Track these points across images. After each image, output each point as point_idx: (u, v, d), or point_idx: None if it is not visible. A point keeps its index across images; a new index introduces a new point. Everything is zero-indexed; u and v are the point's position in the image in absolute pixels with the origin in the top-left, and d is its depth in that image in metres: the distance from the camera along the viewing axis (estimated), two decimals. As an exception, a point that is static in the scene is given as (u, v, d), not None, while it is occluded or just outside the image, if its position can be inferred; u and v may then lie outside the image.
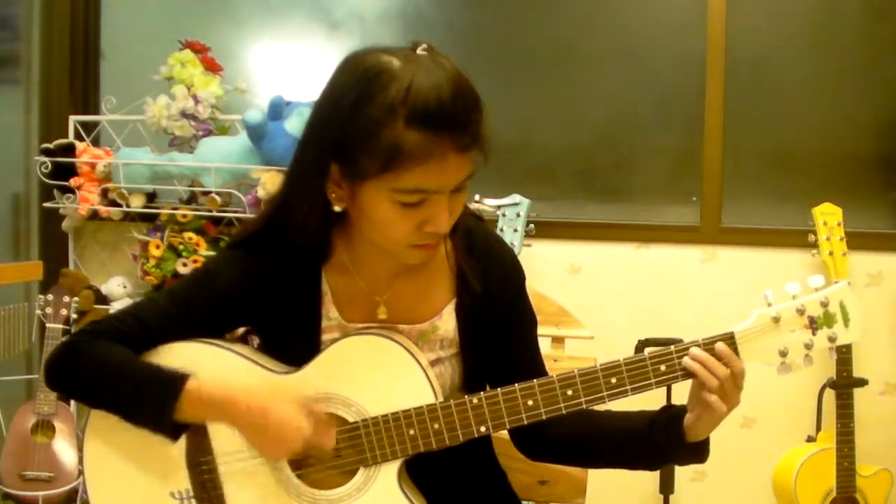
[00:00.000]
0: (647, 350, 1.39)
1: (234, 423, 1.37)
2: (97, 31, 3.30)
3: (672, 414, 1.44)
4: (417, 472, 1.45)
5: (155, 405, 1.36)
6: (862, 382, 2.65)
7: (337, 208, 1.36)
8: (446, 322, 1.48)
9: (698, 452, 1.43)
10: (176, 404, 1.35)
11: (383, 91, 1.26)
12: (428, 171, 1.27)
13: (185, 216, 2.91)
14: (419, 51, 1.30)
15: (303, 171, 1.38)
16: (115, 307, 2.94)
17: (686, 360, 1.36)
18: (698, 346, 1.37)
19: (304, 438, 1.34)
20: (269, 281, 1.45)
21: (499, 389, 1.39)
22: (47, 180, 2.98)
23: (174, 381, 1.35)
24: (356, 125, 1.27)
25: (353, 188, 1.32)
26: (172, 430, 1.37)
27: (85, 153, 2.99)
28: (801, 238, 2.75)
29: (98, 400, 1.41)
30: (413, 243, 1.35)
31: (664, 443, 1.43)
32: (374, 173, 1.28)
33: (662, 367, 1.37)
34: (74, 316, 2.88)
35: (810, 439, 2.75)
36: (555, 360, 1.97)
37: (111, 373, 1.38)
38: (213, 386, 1.36)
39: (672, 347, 1.37)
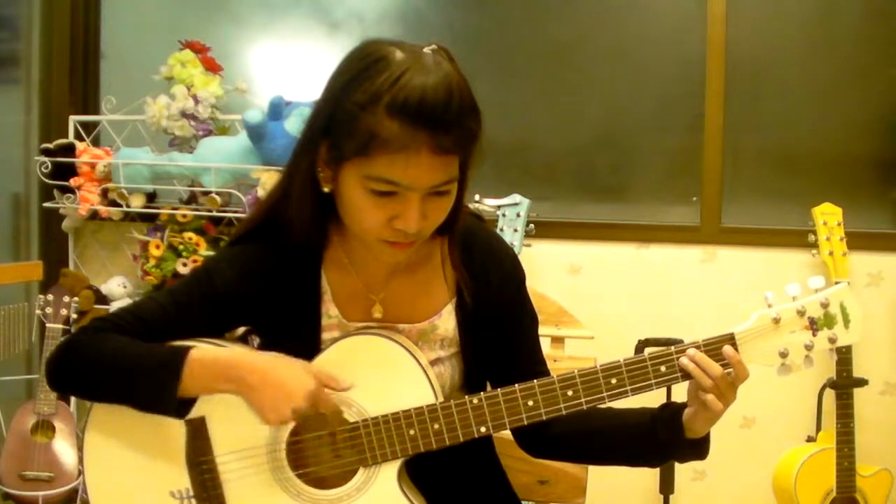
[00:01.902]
0: (648, 350, 1.39)
1: (238, 386, 1.34)
2: (97, 31, 3.30)
3: (672, 411, 1.44)
4: (417, 471, 1.45)
5: (157, 382, 1.34)
6: (862, 382, 2.65)
7: (325, 189, 1.36)
8: (446, 321, 1.48)
9: (699, 449, 1.44)
10: (179, 378, 1.33)
11: (374, 77, 1.27)
12: (398, 163, 1.26)
13: (185, 216, 2.91)
14: (426, 49, 1.31)
15: (299, 146, 1.40)
16: (115, 307, 2.94)
17: (682, 360, 1.37)
18: (698, 347, 1.37)
19: (307, 394, 1.31)
20: (270, 279, 1.45)
21: (499, 390, 1.39)
22: (47, 180, 2.98)
23: (175, 356, 1.35)
24: (343, 107, 1.29)
25: (335, 170, 1.33)
26: (177, 407, 1.36)
27: (85, 153, 2.99)
28: (801, 238, 2.75)
29: (100, 391, 1.41)
30: (383, 238, 1.34)
31: (666, 440, 1.43)
32: (350, 156, 1.29)
33: (662, 368, 1.37)
34: (74, 316, 2.88)
35: (810, 439, 2.75)
36: (555, 360, 1.97)
37: (110, 359, 1.37)
38: (215, 353, 1.36)
39: (672, 348, 1.37)
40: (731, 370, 1.36)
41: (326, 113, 1.33)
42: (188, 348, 1.36)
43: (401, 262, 1.42)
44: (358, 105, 1.27)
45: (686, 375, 1.37)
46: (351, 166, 1.30)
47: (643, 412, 1.47)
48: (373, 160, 1.27)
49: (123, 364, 1.37)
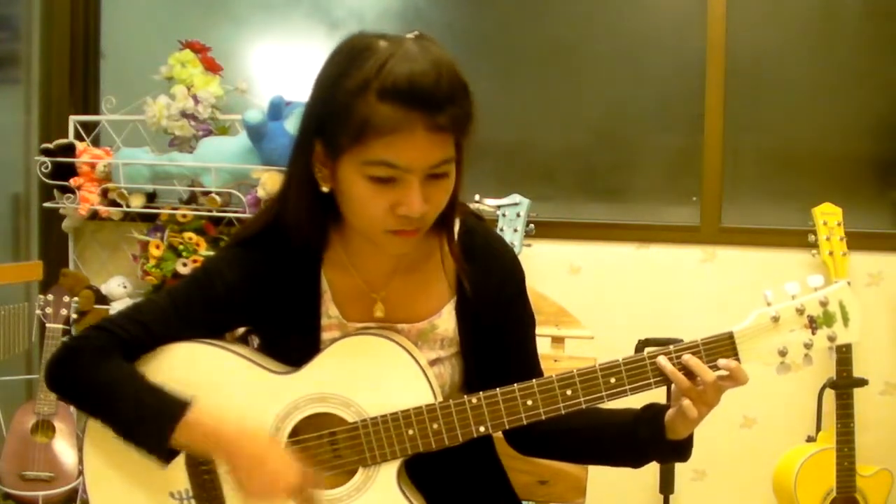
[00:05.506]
0: (647, 350, 1.39)
1: (228, 461, 1.34)
2: (97, 31, 3.30)
3: (655, 411, 1.44)
4: (417, 471, 1.45)
5: (151, 429, 1.34)
6: (862, 382, 2.65)
7: (324, 189, 1.36)
8: (446, 321, 1.48)
9: (680, 451, 1.43)
10: (173, 432, 1.33)
11: (360, 66, 1.27)
12: (394, 144, 1.26)
13: (185, 216, 2.91)
14: (409, 35, 1.31)
15: (294, 150, 1.40)
16: (115, 307, 2.94)
17: (660, 360, 1.36)
18: (697, 346, 1.37)
19: (290, 491, 1.32)
20: (269, 280, 1.45)
21: (498, 390, 1.39)
22: (47, 180, 2.97)
23: (175, 408, 1.34)
24: (334, 100, 1.29)
25: (334, 166, 1.33)
26: (165, 455, 1.35)
27: (85, 153, 2.99)
28: (801, 238, 2.75)
29: (96, 413, 1.40)
30: (388, 228, 1.34)
31: (646, 439, 1.43)
32: (346, 147, 1.29)
33: (662, 367, 1.37)
34: (74, 316, 2.88)
35: (810, 439, 2.74)
36: (555, 360, 1.96)
37: (111, 388, 1.37)
38: (212, 420, 1.34)
39: (671, 347, 1.37)
40: (721, 372, 1.36)
41: (317, 111, 1.33)
42: (186, 405, 1.34)
43: (407, 253, 1.41)
44: (348, 95, 1.27)
45: (689, 374, 1.36)
46: (348, 157, 1.30)
47: (627, 412, 1.46)
48: (369, 146, 1.27)
49: (123, 395, 1.36)
